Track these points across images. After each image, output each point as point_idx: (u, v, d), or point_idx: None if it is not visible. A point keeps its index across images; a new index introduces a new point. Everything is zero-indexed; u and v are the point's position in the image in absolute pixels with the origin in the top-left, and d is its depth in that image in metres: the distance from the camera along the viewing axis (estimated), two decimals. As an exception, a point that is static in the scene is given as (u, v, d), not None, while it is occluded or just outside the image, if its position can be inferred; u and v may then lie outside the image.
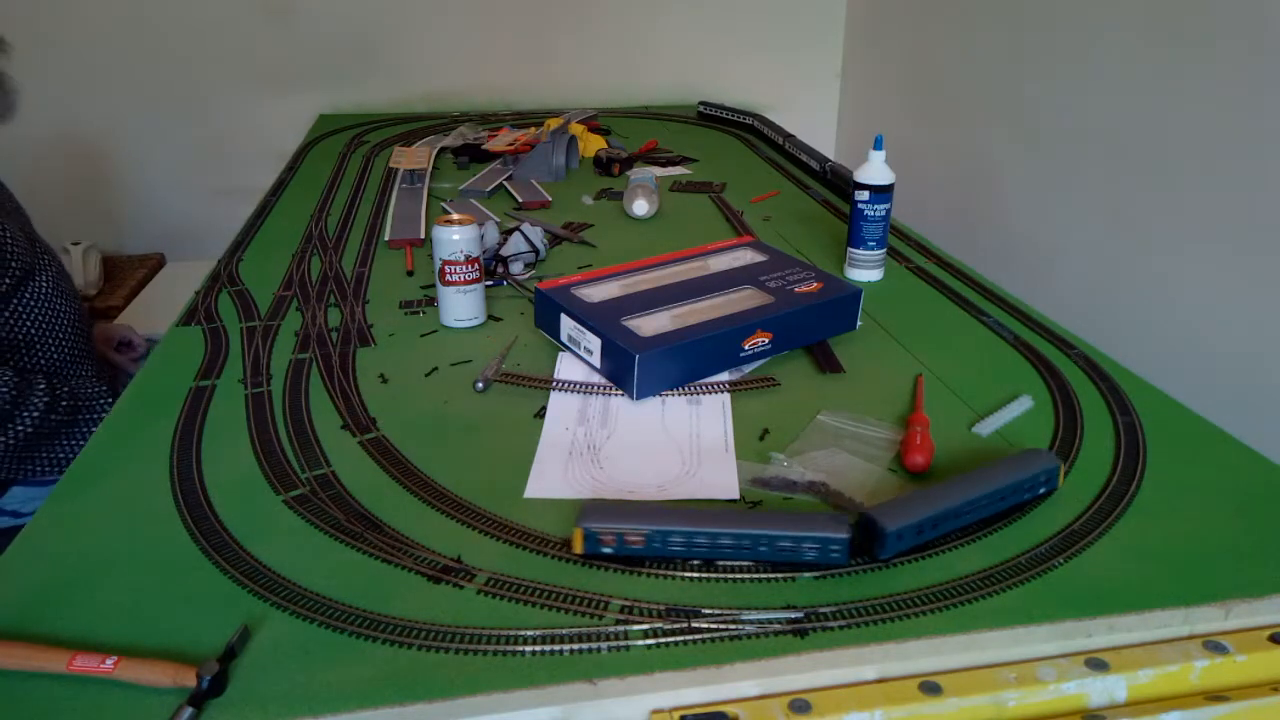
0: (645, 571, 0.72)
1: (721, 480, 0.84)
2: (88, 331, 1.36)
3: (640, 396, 0.98)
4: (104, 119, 2.35)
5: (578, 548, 0.73)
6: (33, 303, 1.24)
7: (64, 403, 1.19)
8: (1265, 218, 1.35)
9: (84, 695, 0.60)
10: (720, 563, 0.72)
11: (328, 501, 0.81)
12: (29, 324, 1.24)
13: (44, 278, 1.27)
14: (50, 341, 1.27)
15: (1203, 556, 0.74)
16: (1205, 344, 1.47)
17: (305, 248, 1.43)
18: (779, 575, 0.71)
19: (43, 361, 1.26)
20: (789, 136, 1.96)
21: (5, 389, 1.13)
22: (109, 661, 0.61)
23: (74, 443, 1.20)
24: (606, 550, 0.72)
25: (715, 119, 2.29)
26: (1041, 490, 0.81)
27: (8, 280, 1.21)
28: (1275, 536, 0.76)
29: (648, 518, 0.72)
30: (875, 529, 0.72)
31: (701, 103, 2.34)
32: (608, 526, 0.71)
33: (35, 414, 1.15)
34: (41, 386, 1.17)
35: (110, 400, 1.24)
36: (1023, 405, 0.96)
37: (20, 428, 1.14)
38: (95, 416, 1.22)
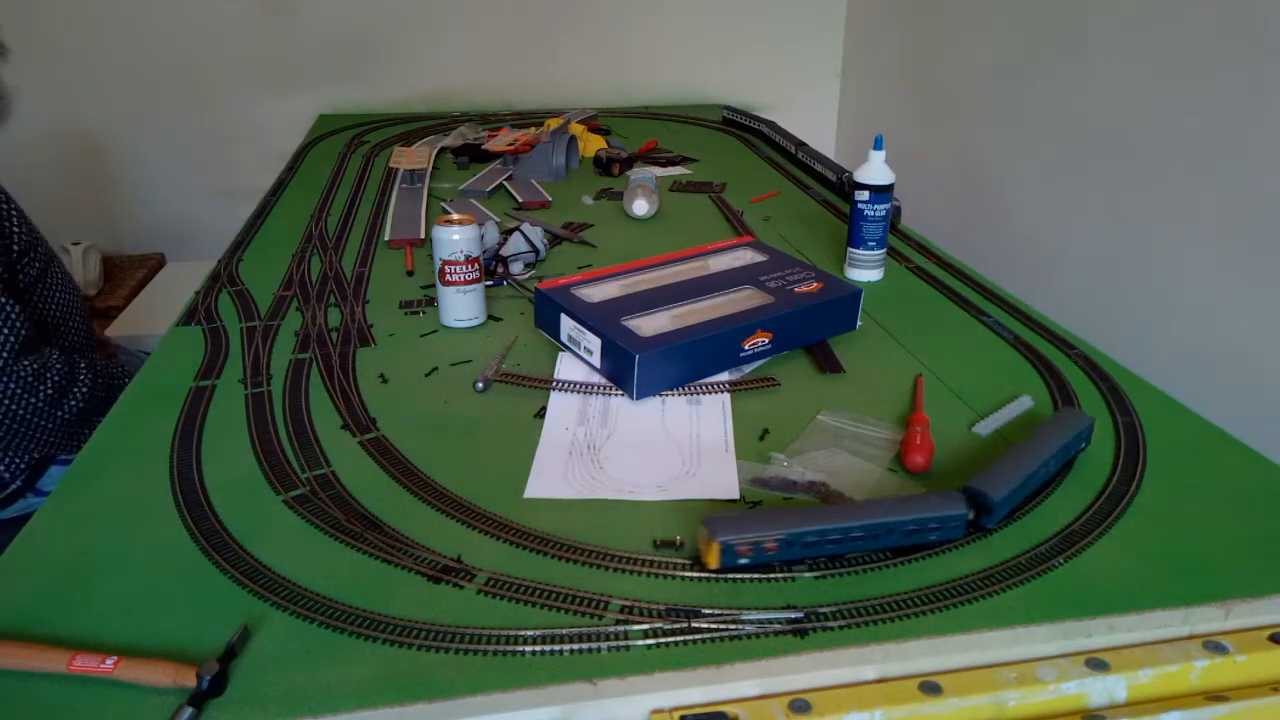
0: (645, 571, 0.72)
1: (721, 480, 0.84)
2: (90, 320, 1.40)
3: (640, 396, 0.98)
4: (104, 119, 2.35)
5: (713, 562, 0.71)
6: (55, 286, 1.28)
7: (101, 379, 1.22)
8: (1265, 217, 1.35)
9: (84, 695, 0.60)
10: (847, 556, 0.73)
11: (328, 501, 0.81)
12: (54, 307, 1.28)
13: (57, 264, 1.31)
14: (72, 324, 1.31)
15: (1203, 556, 0.74)
16: (1205, 344, 1.47)
17: (305, 248, 1.43)
18: (779, 575, 0.71)
19: (65, 344, 1.29)
20: (801, 145, 1.94)
21: (59, 364, 1.16)
22: (109, 661, 0.61)
23: None
24: (743, 561, 0.71)
25: (732, 122, 2.28)
26: (1083, 445, 0.87)
27: (37, 264, 1.24)
28: (1275, 536, 0.76)
29: (779, 522, 0.71)
30: (984, 500, 0.74)
31: (726, 107, 2.32)
32: (744, 537, 0.70)
33: (84, 389, 1.18)
34: (83, 364, 1.20)
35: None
36: (1023, 405, 0.96)
37: (73, 402, 1.17)
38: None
